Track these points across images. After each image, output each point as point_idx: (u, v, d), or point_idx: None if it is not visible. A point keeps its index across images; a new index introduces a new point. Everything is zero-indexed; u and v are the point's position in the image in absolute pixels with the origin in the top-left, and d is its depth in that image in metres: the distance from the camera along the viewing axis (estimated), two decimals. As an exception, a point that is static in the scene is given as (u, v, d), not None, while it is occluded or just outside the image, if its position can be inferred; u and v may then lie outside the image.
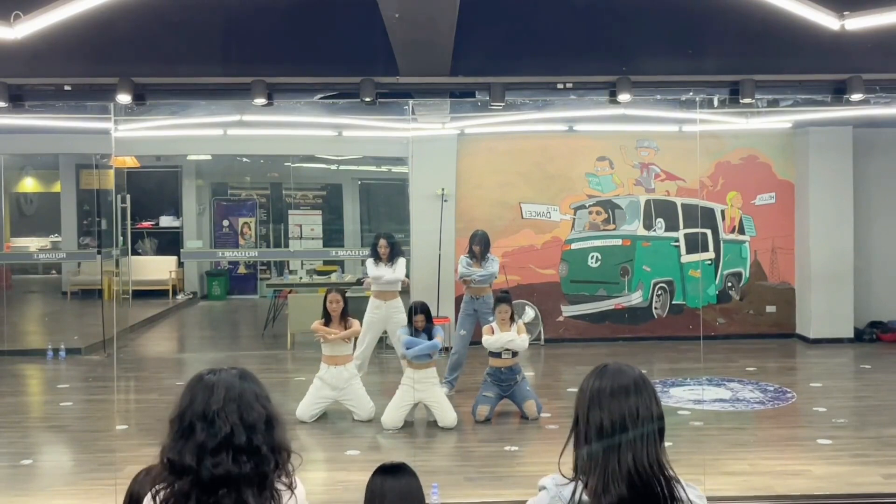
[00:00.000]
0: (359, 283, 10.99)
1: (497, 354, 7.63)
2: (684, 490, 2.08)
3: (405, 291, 9.12)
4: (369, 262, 8.75)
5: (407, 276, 9.07)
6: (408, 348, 7.44)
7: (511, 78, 6.70)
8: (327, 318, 7.65)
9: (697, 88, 7.28)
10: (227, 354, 11.13)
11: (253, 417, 2.11)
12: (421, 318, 7.51)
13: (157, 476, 2.11)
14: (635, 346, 10.88)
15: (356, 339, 8.02)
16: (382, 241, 8.61)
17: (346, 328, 7.67)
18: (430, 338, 7.47)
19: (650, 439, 2.07)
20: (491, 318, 8.00)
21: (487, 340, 7.63)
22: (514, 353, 7.66)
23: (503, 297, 7.92)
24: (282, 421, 2.20)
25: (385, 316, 8.56)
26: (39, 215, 16.16)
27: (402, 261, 8.67)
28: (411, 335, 7.48)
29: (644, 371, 2.25)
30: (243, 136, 11.42)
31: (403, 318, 8.25)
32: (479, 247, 8.65)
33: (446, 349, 8.96)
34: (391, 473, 3.13)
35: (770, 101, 8.75)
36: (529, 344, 9.57)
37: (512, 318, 7.74)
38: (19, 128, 9.80)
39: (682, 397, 8.26)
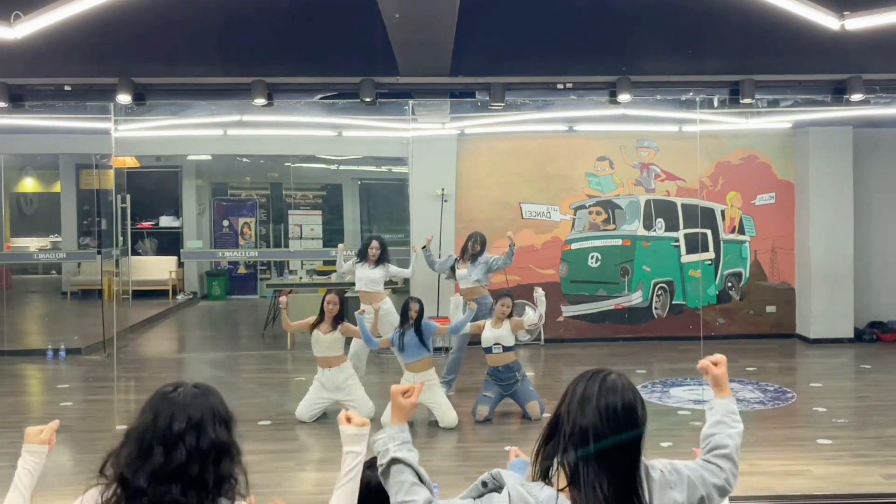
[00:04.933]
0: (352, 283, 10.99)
1: (488, 350, 7.62)
2: (651, 477, 2.12)
3: (404, 291, 9.14)
4: (350, 263, 8.84)
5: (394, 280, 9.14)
6: (455, 331, 7.85)
7: (511, 78, 6.71)
8: (321, 318, 7.61)
9: (697, 88, 7.29)
10: (227, 354, 11.12)
11: (207, 444, 2.10)
12: (416, 307, 7.46)
13: (107, 487, 2.11)
14: (635, 346, 10.87)
15: (349, 340, 7.94)
16: (375, 244, 8.67)
17: (333, 330, 7.59)
18: (423, 339, 7.39)
19: (632, 450, 2.09)
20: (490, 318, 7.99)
21: (484, 336, 7.66)
22: (506, 349, 7.60)
23: (507, 291, 7.97)
24: (236, 447, 2.18)
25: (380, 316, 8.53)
26: (39, 215, 16.15)
27: (388, 265, 8.78)
28: (404, 329, 7.41)
29: (643, 372, 2.26)
30: (243, 136, 11.42)
31: (395, 318, 8.23)
32: (481, 247, 8.72)
33: (446, 349, 8.96)
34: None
35: (770, 101, 8.76)
36: (529, 343, 9.58)
37: (510, 315, 7.72)
38: (19, 128, 9.81)
39: (682, 397, 8.26)
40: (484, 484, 2.19)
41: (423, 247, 9.13)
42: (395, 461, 2.22)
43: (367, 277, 8.65)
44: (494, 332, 7.60)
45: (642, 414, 2.15)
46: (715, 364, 2.52)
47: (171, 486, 2.04)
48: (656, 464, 2.18)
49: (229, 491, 2.14)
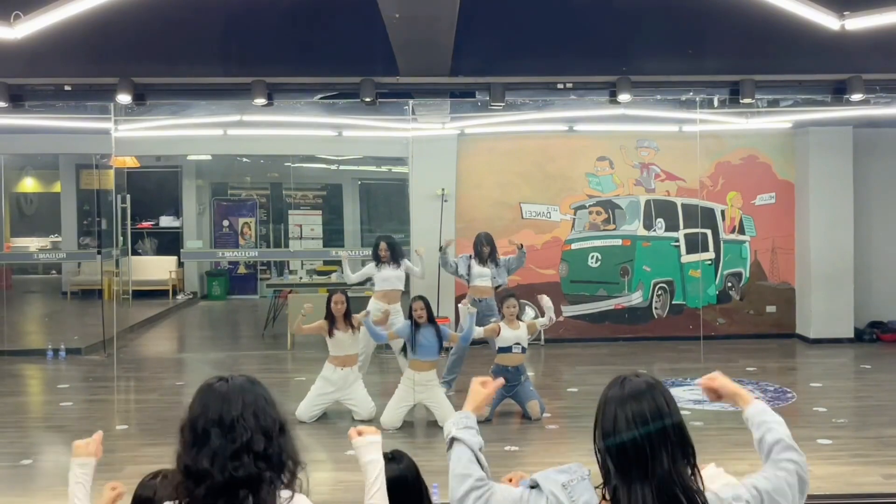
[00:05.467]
0: (359, 283, 10.98)
1: (507, 349, 7.60)
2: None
3: (404, 291, 9.15)
4: (370, 266, 8.82)
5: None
6: (465, 340, 7.69)
7: (511, 78, 6.71)
8: (332, 320, 7.64)
9: (697, 88, 7.29)
10: (227, 354, 11.12)
11: (268, 423, 2.15)
12: (420, 304, 7.48)
13: (176, 484, 2.12)
14: (635, 346, 10.87)
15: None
16: (383, 244, 8.71)
17: (352, 327, 7.68)
18: (440, 335, 7.43)
19: (675, 455, 2.06)
20: (493, 319, 7.99)
21: (501, 338, 7.63)
22: (524, 350, 7.66)
23: (510, 292, 7.96)
24: (291, 428, 2.24)
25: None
26: (39, 215, 16.14)
27: (405, 261, 8.84)
28: (413, 329, 7.44)
29: (643, 372, 2.25)
30: (243, 136, 11.42)
31: (402, 319, 8.29)
32: (489, 247, 8.73)
33: (447, 349, 8.96)
34: (387, 461, 3.20)
35: (770, 101, 8.76)
36: (529, 343, 9.55)
37: (518, 317, 7.74)
38: (19, 128, 9.80)
39: (682, 397, 8.25)
40: (531, 486, 2.21)
41: (442, 248, 9.09)
42: (455, 440, 2.36)
43: (393, 276, 8.71)
44: (514, 333, 7.61)
45: (671, 413, 2.11)
46: (713, 381, 2.46)
47: (242, 461, 2.06)
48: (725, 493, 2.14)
49: (294, 465, 2.17)
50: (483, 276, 8.77)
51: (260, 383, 2.27)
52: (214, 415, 2.11)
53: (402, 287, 8.82)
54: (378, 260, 8.77)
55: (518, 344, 7.60)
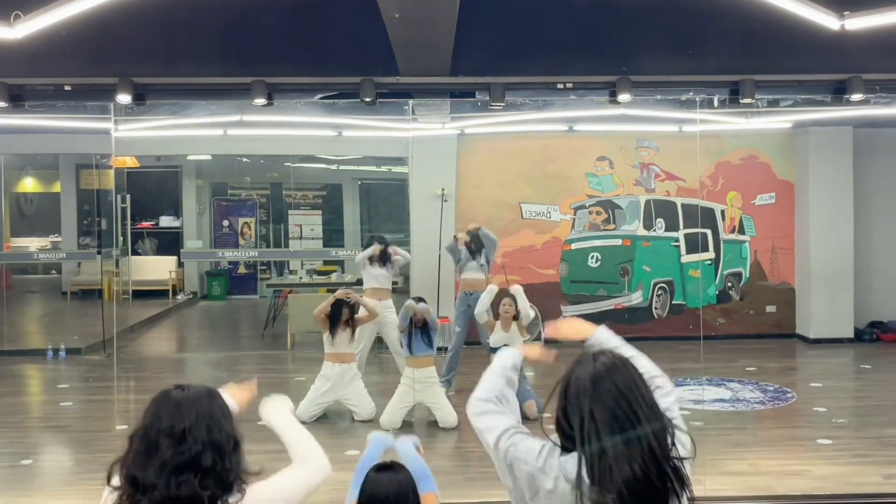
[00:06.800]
0: (359, 283, 10.98)
1: (496, 350, 7.62)
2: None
3: (404, 291, 9.15)
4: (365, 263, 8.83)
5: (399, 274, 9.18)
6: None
7: (511, 78, 6.70)
8: (334, 321, 7.64)
9: (697, 88, 7.28)
10: (227, 354, 11.12)
11: (221, 438, 2.10)
12: (423, 307, 7.50)
13: (120, 494, 2.08)
14: (635, 346, 10.85)
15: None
16: (377, 246, 8.73)
17: (352, 329, 7.70)
18: (430, 338, 7.45)
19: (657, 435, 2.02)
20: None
21: (493, 338, 7.63)
22: None
23: (506, 292, 7.99)
24: (242, 444, 2.19)
25: (380, 316, 8.56)
26: (39, 215, 16.15)
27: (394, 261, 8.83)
28: (410, 332, 7.45)
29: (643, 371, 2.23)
30: (243, 136, 11.43)
31: (395, 317, 8.27)
32: (477, 242, 8.67)
33: (445, 349, 8.96)
34: (384, 470, 3.20)
35: (770, 101, 8.75)
36: (530, 343, 9.55)
37: (516, 318, 7.70)
38: (19, 128, 9.80)
39: (682, 397, 8.26)
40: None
41: (455, 238, 8.94)
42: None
43: (381, 274, 8.74)
44: (504, 336, 7.61)
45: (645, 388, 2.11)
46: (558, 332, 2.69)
47: (187, 477, 2.02)
48: None
49: (241, 481, 2.14)
50: (471, 268, 8.71)
51: (219, 396, 2.23)
52: (166, 424, 2.08)
53: (389, 285, 8.83)
54: (370, 258, 8.74)
55: (507, 345, 7.59)
